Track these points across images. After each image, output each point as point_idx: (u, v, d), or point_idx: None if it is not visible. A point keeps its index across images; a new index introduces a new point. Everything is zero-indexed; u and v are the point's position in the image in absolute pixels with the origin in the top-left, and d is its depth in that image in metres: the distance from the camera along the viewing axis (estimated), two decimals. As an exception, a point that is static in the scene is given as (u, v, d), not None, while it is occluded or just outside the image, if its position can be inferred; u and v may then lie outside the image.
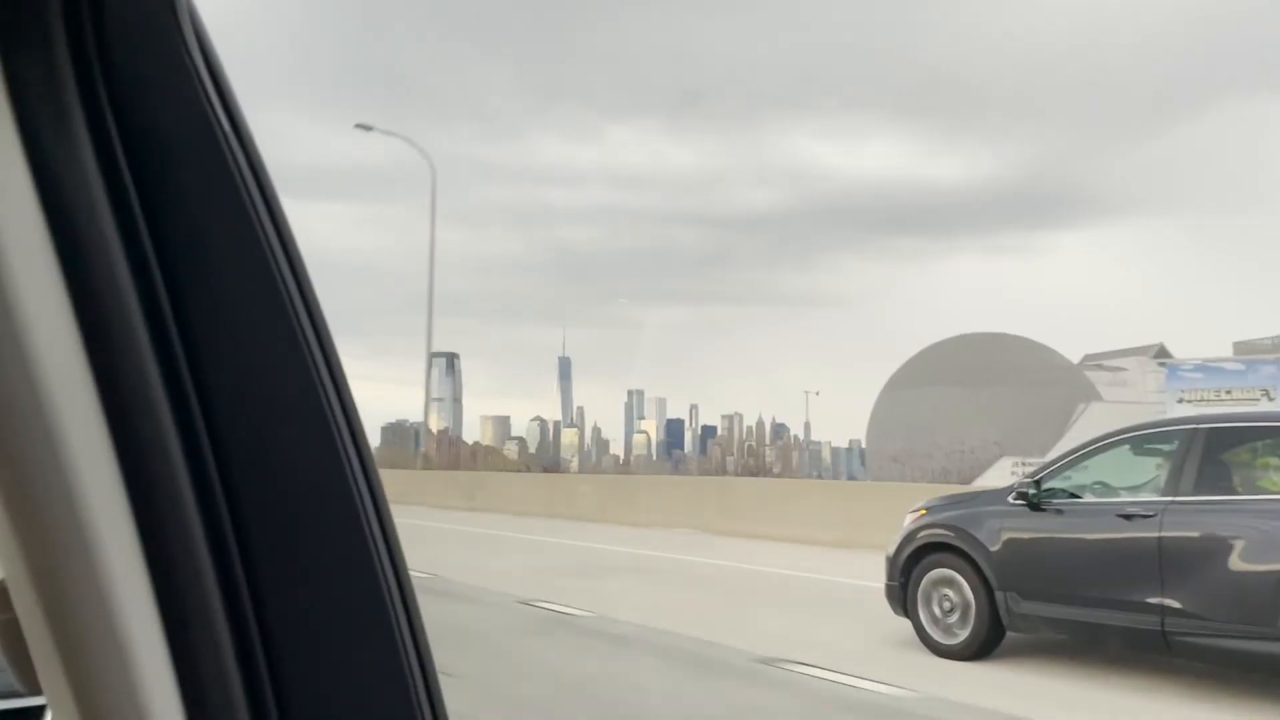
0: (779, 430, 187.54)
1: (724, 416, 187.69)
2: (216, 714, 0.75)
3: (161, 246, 0.80)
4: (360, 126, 29.70)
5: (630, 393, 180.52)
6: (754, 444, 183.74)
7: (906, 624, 7.55)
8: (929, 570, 7.43)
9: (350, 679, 0.81)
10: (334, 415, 0.83)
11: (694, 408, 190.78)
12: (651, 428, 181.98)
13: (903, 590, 7.55)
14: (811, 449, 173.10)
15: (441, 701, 0.84)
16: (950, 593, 7.28)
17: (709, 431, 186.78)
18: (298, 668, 0.79)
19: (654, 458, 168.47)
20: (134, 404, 0.76)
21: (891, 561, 7.73)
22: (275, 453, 0.81)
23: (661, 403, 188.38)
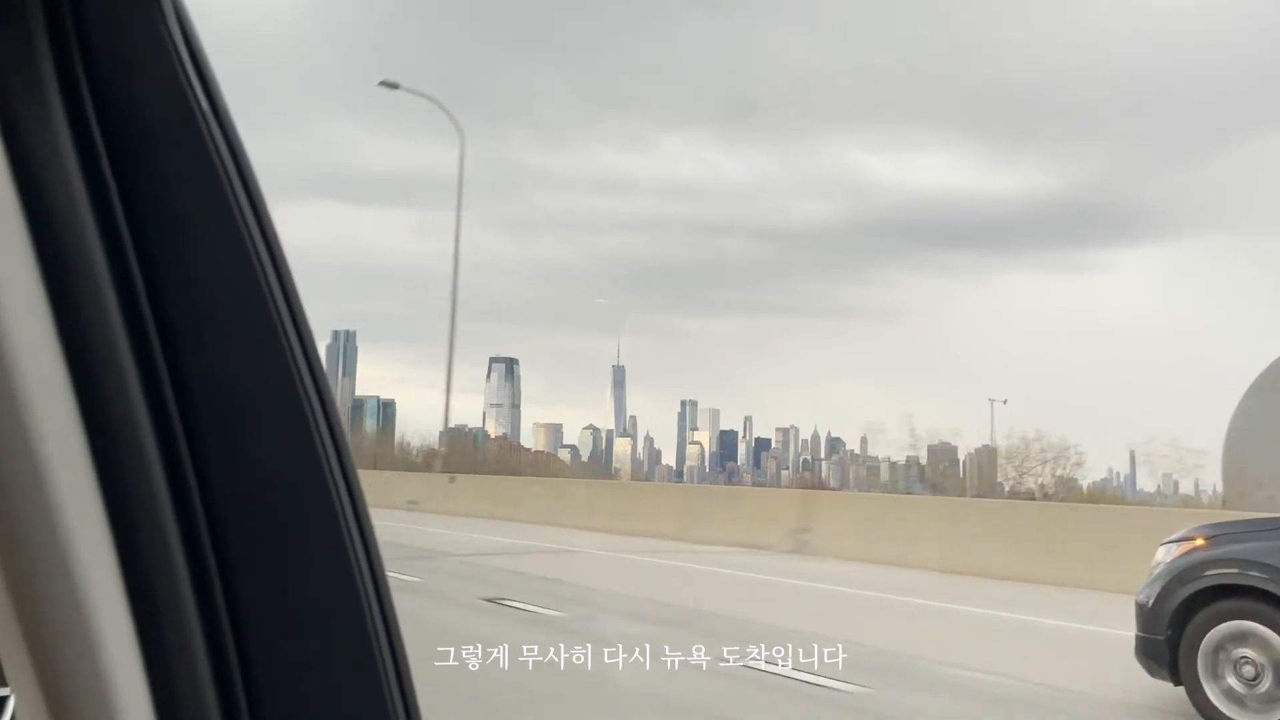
0: (834, 445, 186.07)
1: (778, 429, 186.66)
2: (186, 710, 0.73)
3: (137, 227, 0.77)
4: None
5: (684, 403, 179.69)
6: (809, 458, 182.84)
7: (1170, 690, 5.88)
8: (1217, 622, 5.78)
9: (324, 677, 0.79)
10: (311, 408, 0.80)
11: (748, 419, 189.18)
12: (705, 439, 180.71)
13: (1171, 648, 5.87)
14: (869, 464, 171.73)
15: (415, 701, 0.82)
16: (1253, 653, 5.61)
17: (762, 444, 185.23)
18: (270, 665, 0.76)
19: (707, 469, 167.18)
20: (108, 393, 0.73)
21: (1151, 609, 6.09)
22: (250, 445, 0.79)
23: (715, 414, 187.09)
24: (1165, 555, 6.22)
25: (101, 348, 0.73)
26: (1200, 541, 6.10)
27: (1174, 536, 6.33)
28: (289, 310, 0.81)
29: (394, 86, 28.36)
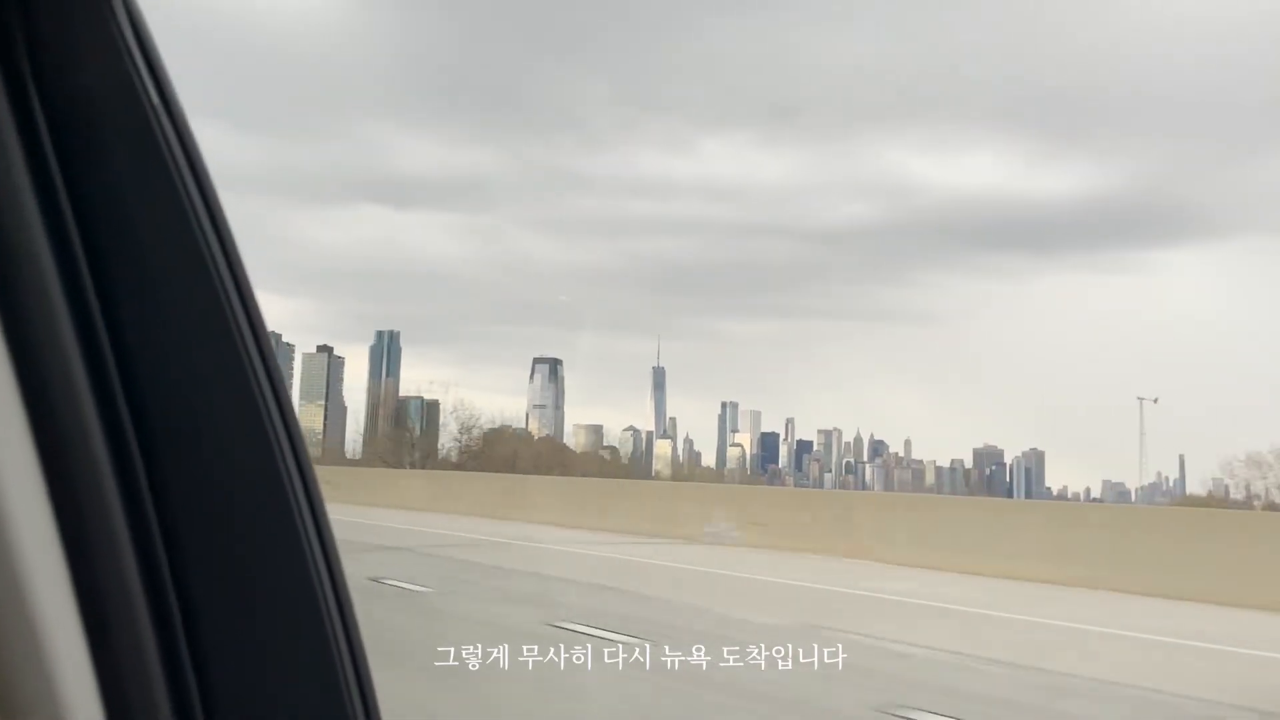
0: (877, 447, 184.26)
1: (820, 432, 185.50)
2: (137, 708, 0.71)
3: (85, 224, 0.74)
4: None
5: (724, 405, 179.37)
6: (851, 460, 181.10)
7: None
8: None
9: (280, 676, 0.78)
10: (266, 405, 0.78)
11: (789, 422, 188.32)
12: (746, 441, 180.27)
13: None
14: (914, 467, 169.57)
15: (374, 698, 0.81)
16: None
17: (804, 446, 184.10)
18: (225, 665, 0.75)
19: (748, 471, 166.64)
20: (55, 391, 0.71)
21: None
22: (203, 443, 0.77)
23: (756, 416, 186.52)
24: None
25: (48, 346, 0.72)
26: None
27: None
28: (243, 306, 0.79)
29: None
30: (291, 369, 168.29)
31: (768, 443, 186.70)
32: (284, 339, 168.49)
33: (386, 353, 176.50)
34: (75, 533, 0.71)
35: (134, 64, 0.78)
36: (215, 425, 0.78)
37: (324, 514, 0.82)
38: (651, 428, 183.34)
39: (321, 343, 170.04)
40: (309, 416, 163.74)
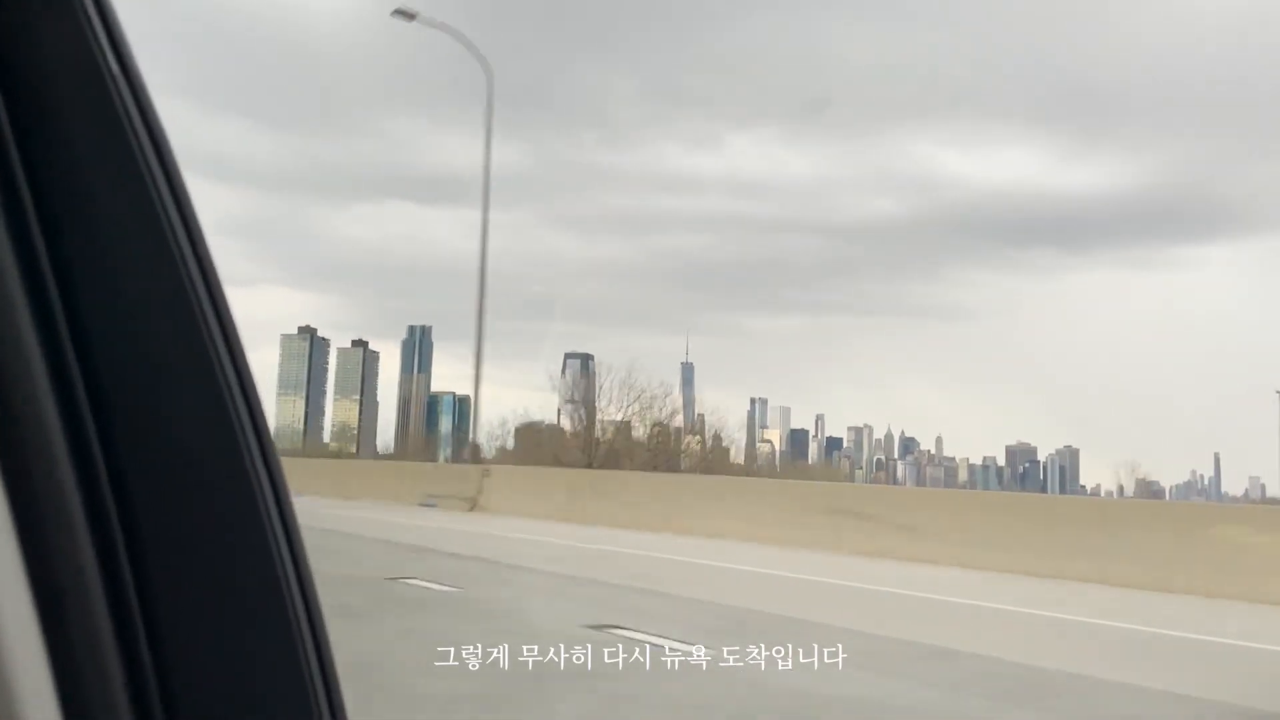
0: (908, 445, 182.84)
1: (850, 428, 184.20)
2: (95, 706, 0.69)
3: (42, 201, 0.73)
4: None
5: (753, 400, 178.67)
6: (883, 457, 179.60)
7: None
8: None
9: (243, 674, 0.77)
10: (231, 395, 0.77)
11: (819, 418, 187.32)
12: (775, 437, 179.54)
13: None
14: (946, 465, 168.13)
15: (340, 695, 0.80)
16: None
17: (834, 443, 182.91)
18: (186, 664, 0.74)
19: (777, 468, 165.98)
20: (11, 380, 0.69)
21: None
22: (165, 431, 0.76)
23: (785, 412, 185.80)
24: None
25: (3, 333, 0.69)
26: None
27: None
28: (206, 287, 0.77)
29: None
30: (327, 364, 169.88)
31: (797, 439, 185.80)
32: (319, 334, 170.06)
33: (418, 348, 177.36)
34: (31, 529, 0.69)
35: (91, 30, 0.75)
36: (177, 414, 0.76)
37: (290, 507, 0.80)
38: (680, 424, 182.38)
39: (356, 338, 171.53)
40: (343, 412, 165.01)
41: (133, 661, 0.71)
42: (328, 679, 0.79)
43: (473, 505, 21.43)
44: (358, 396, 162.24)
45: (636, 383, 49.96)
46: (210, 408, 0.76)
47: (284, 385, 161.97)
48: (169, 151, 0.77)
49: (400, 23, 26.03)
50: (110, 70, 0.75)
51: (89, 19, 0.74)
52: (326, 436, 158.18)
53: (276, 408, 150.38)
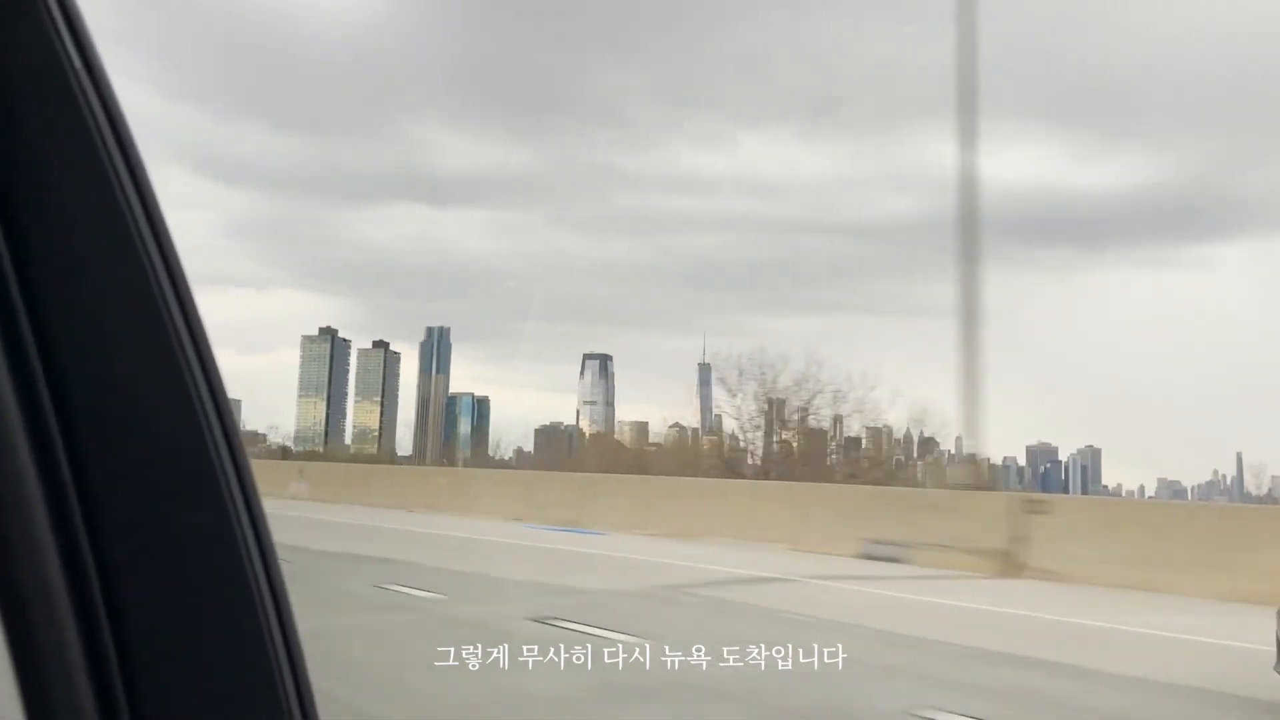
0: (927, 445, 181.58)
1: (868, 429, 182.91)
2: (60, 707, 0.69)
3: (3, 198, 0.71)
4: None
5: (771, 401, 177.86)
6: (902, 458, 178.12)
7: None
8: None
9: (212, 676, 0.76)
10: (199, 394, 0.76)
11: (838, 418, 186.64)
12: (794, 437, 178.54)
13: None
14: (966, 465, 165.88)
15: (311, 696, 0.80)
16: None
17: (852, 444, 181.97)
18: (154, 665, 0.73)
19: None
20: None
21: None
22: (131, 432, 0.74)
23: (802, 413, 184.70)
24: None
25: None
26: None
27: None
28: (172, 285, 0.76)
29: None
30: (348, 366, 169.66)
31: (814, 439, 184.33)
32: (340, 335, 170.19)
33: (436, 349, 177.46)
34: None
35: (55, 26, 0.74)
36: (143, 415, 0.76)
37: (259, 503, 0.80)
38: (698, 424, 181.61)
39: (376, 338, 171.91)
40: (364, 415, 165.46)
41: (99, 665, 0.71)
42: (298, 678, 0.79)
43: (1008, 564, 12.72)
44: (379, 398, 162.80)
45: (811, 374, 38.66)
46: (177, 406, 0.75)
47: (305, 387, 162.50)
48: (135, 150, 0.76)
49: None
50: (75, 69, 0.74)
51: (53, 19, 0.74)
52: (348, 439, 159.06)
53: (298, 410, 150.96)
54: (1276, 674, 6.15)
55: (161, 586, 0.74)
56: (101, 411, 0.73)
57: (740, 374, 40.05)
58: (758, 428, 41.32)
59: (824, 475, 36.69)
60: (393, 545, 15.43)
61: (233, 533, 0.76)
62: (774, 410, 40.90)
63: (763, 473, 36.61)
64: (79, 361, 0.73)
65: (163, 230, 0.77)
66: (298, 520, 17.65)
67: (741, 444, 43.17)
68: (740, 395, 40.21)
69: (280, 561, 0.81)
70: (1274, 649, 6.32)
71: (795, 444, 42.72)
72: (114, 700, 0.71)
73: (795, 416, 41.25)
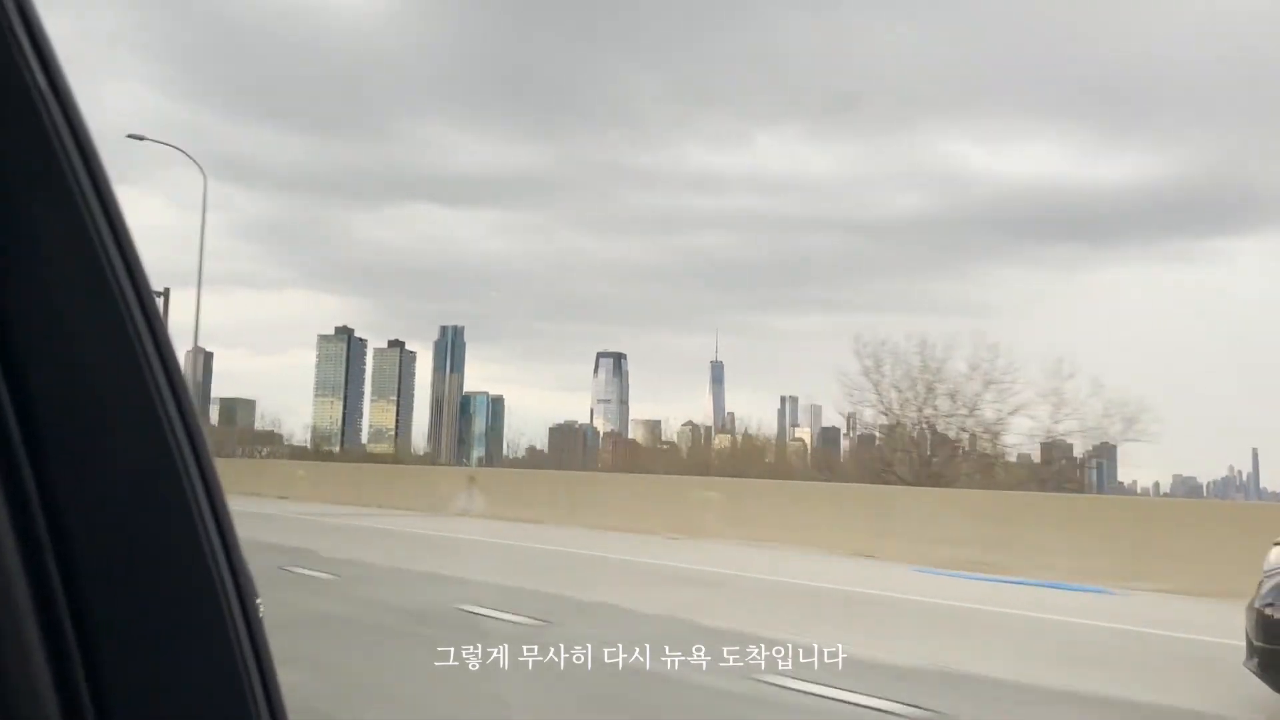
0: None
1: (882, 427, 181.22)
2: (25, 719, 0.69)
3: None
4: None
5: (783, 399, 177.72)
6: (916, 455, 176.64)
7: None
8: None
9: (179, 680, 0.76)
10: (164, 405, 0.76)
11: (852, 416, 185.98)
12: (807, 435, 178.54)
13: None
14: (982, 461, 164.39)
15: (280, 699, 0.80)
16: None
17: (865, 441, 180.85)
18: (120, 669, 0.73)
19: (809, 466, 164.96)
20: None
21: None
22: (97, 444, 0.75)
23: (816, 410, 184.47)
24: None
25: None
26: None
27: None
28: (137, 297, 0.77)
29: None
30: (364, 365, 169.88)
31: (828, 437, 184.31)
32: (356, 334, 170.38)
33: (451, 348, 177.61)
34: None
35: (16, 43, 0.74)
36: (105, 416, 0.76)
37: (227, 514, 0.80)
38: (710, 422, 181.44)
39: (391, 338, 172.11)
40: (379, 414, 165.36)
41: (63, 673, 0.71)
42: (266, 680, 0.79)
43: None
44: (394, 397, 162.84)
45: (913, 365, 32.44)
46: (138, 407, 0.76)
47: (321, 387, 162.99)
48: (99, 163, 0.77)
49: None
50: (38, 85, 0.74)
51: (14, 33, 0.74)
52: (365, 438, 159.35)
53: (314, 409, 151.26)
54: (1246, 668, 5.96)
55: (126, 588, 0.74)
56: (63, 413, 0.74)
57: (883, 364, 33.42)
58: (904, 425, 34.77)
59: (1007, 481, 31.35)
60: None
61: (197, 533, 0.76)
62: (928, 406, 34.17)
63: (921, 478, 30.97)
64: (40, 366, 0.73)
65: (127, 243, 0.78)
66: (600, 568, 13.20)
67: (877, 441, 37.27)
68: (887, 388, 33.60)
69: (246, 561, 0.81)
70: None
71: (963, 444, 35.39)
72: (79, 706, 0.71)
73: (963, 410, 33.89)
